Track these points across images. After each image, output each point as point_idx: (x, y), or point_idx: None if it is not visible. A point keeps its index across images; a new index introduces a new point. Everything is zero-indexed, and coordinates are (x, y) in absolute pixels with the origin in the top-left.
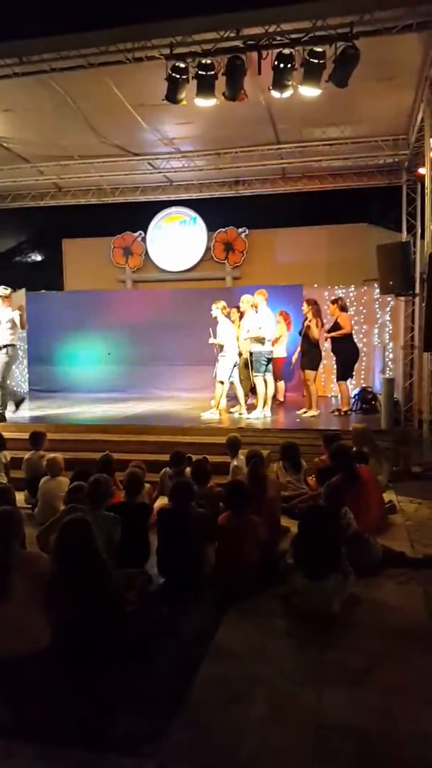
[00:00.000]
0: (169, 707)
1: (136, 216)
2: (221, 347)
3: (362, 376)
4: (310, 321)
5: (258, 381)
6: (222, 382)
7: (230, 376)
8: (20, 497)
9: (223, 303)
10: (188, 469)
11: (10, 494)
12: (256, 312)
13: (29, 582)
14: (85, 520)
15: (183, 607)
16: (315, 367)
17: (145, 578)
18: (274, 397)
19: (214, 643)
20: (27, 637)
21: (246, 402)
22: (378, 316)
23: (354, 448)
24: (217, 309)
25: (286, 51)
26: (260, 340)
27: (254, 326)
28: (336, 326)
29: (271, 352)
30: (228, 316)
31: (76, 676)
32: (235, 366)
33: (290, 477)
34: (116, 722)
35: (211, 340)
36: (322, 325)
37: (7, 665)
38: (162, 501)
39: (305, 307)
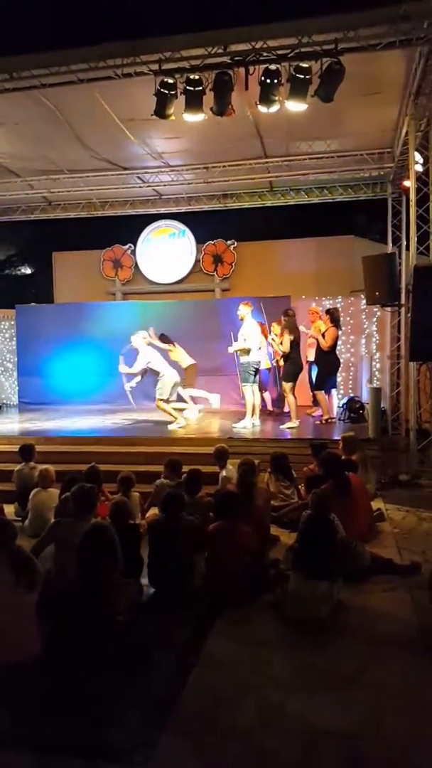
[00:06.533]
0: (161, 715)
1: (126, 229)
2: (157, 373)
3: (350, 386)
4: (278, 334)
5: (246, 391)
6: (164, 401)
7: (170, 393)
8: (9, 510)
9: (143, 333)
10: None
11: None
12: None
13: (21, 591)
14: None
15: (174, 616)
16: (290, 379)
17: (137, 588)
18: (264, 407)
19: (204, 652)
20: (19, 647)
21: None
22: (365, 326)
23: (343, 456)
24: (138, 339)
25: (273, 66)
26: (246, 351)
27: (240, 338)
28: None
29: (259, 362)
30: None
31: (68, 684)
32: (175, 385)
33: (280, 486)
34: (108, 730)
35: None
36: (297, 336)
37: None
38: (153, 512)
39: (283, 320)
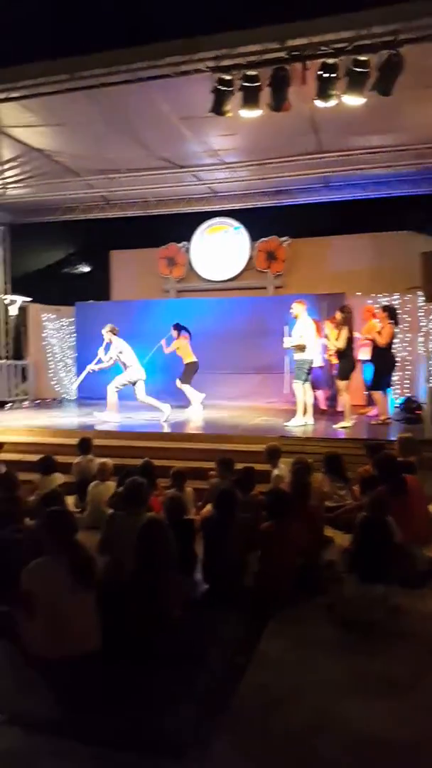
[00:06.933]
0: (214, 713)
1: (181, 227)
2: (124, 364)
3: (406, 386)
4: (331, 330)
5: (297, 389)
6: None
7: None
8: (70, 501)
9: (111, 325)
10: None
11: (60, 499)
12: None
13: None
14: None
15: (227, 614)
16: (344, 377)
17: (191, 584)
18: (316, 405)
19: (257, 651)
20: (81, 643)
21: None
22: (422, 324)
23: (399, 458)
24: (106, 332)
25: (330, 61)
26: (301, 348)
27: (294, 334)
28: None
29: (313, 360)
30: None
31: (122, 679)
32: (137, 382)
33: (334, 487)
34: (162, 726)
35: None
36: (351, 334)
37: (60, 665)
38: (209, 508)
39: (338, 316)
